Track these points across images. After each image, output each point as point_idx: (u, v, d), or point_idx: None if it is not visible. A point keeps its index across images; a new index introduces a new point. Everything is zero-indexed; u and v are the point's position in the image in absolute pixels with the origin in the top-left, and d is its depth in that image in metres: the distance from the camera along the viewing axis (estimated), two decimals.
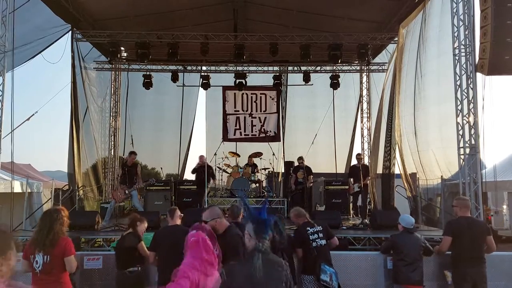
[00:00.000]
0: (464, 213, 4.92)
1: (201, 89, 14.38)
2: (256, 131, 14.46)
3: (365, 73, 14.55)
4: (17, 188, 9.59)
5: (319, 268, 4.63)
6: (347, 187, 10.56)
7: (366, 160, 13.75)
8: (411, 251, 4.94)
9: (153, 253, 4.48)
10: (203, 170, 10.21)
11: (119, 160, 13.69)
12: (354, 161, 11.52)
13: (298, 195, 10.16)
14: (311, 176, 10.45)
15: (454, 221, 5.03)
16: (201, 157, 11.09)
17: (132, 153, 9.44)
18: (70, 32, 11.05)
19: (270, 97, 14.56)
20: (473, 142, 7.74)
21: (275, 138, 14.39)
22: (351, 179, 9.99)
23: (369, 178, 10.21)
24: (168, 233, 4.56)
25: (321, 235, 4.86)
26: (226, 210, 12.54)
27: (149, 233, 5.03)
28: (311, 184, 10.62)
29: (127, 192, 8.87)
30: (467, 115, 7.81)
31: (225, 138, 14.22)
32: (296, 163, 10.74)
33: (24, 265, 3.72)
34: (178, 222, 4.69)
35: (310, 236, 4.82)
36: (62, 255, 3.65)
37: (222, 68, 14.46)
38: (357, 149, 14.36)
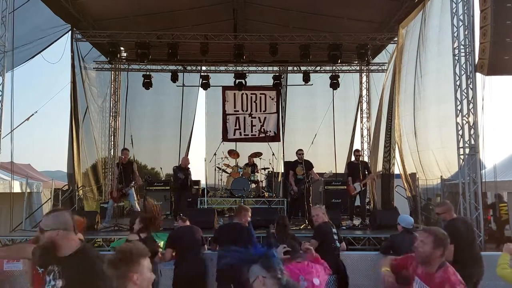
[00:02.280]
0: (451, 215, 4.88)
1: (201, 89, 14.38)
2: (256, 131, 14.46)
3: (364, 73, 14.56)
4: (17, 188, 9.58)
5: None
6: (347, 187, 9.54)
7: (365, 159, 13.74)
8: (410, 251, 4.92)
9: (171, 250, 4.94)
10: (186, 173, 9.34)
11: (118, 159, 13.66)
12: (353, 159, 10.38)
13: (300, 196, 9.00)
14: (312, 170, 9.12)
15: (450, 225, 4.87)
16: (184, 159, 9.95)
17: (125, 149, 9.36)
18: (70, 32, 11.04)
19: (270, 97, 14.55)
20: (472, 142, 7.75)
21: (275, 138, 14.39)
22: (350, 178, 9.22)
23: (371, 175, 9.48)
24: (187, 232, 5.24)
25: (337, 237, 5.03)
26: (226, 211, 12.38)
27: (160, 233, 5.25)
28: (317, 179, 9.45)
29: (124, 190, 8.83)
30: (466, 115, 7.82)
31: (225, 138, 14.21)
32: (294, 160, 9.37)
33: (25, 265, 3.72)
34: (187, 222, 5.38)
35: (334, 236, 4.95)
36: None
37: (222, 68, 14.46)
38: None
